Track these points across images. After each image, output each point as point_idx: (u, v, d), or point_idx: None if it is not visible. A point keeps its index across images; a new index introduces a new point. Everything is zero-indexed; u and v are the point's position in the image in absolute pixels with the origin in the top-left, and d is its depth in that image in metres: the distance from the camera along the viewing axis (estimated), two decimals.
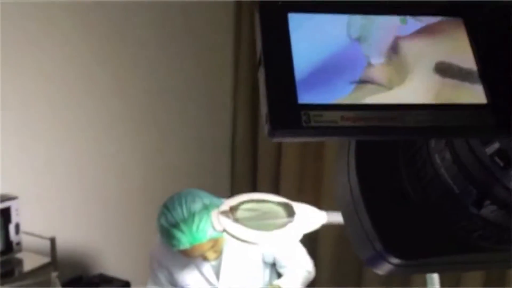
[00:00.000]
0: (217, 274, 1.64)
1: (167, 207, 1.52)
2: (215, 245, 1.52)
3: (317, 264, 1.72)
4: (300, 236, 1.05)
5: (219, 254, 1.57)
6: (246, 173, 2.77)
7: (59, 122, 2.27)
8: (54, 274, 1.47)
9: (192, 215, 1.46)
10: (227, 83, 2.91)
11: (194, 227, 1.45)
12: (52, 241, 1.87)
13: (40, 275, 1.71)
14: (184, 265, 1.63)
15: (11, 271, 1.77)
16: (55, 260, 1.86)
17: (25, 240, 1.91)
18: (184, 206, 1.49)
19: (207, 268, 1.63)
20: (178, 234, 1.46)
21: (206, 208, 1.45)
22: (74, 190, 2.39)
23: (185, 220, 1.46)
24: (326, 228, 2.29)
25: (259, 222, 1.05)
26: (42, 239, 1.86)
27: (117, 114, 2.52)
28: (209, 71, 2.84)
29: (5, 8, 1.86)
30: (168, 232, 1.48)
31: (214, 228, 1.06)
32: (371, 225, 0.35)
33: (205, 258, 1.55)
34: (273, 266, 1.73)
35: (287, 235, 1.04)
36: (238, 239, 1.02)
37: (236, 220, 1.06)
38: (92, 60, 2.35)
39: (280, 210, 1.09)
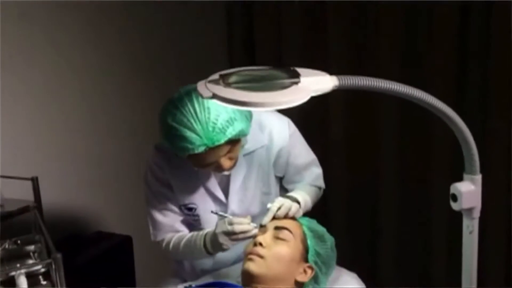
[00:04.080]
0: (225, 191, 1.43)
1: (173, 104, 1.23)
2: (232, 150, 1.26)
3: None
4: (307, 98, 0.86)
5: (234, 162, 1.31)
6: None
7: (48, 59, 2.09)
8: (32, 205, 1.29)
9: (207, 110, 1.18)
10: None
11: (210, 126, 1.18)
12: (34, 181, 1.69)
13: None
14: (188, 182, 1.42)
15: None
16: (40, 201, 1.69)
17: (7, 188, 1.74)
18: (195, 101, 1.20)
19: (213, 184, 1.43)
20: (191, 135, 1.19)
21: None
22: (62, 143, 2.21)
23: (198, 118, 1.18)
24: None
25: (258, 84, 0.86)
26: (25, 182, 1.68)
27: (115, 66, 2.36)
28: (203, 68, 2.71)
29: None
30: (178, 133, 1.20)
31: (201, 95, 0.87)
32: None
33: (218, 167, 1.28)
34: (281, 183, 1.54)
35: (294, 96, 0.85)
36: (234, 102, 0.83)
37: (229, 85, 0.86)
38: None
39: (282, 74, 0.89)
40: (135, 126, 2.46)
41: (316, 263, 1.23)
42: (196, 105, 1.20)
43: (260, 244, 1.20)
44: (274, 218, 1.28)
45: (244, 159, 1.39)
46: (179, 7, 2.52)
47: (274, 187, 1.46)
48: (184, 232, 1.45)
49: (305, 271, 1.22)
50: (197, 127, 1.19)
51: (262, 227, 1.27)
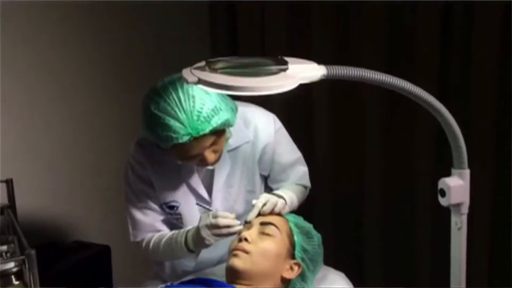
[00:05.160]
0: (209, 189, 1.38)
1: (157, 92, 1.19)
2: (217, 142, 1.23)
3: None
4: (295, 85, 0.85)
5: (218, 156, 1.27)
6: None
7: (24, 60, 2.03)
8: (6, 205, 1.23)
9: (191, 99, 1.15)
10: None
11: (195, 115, 1.15)
12: (8, 183, 1.63)
13: None
14: (170, 179, 1.36)
15: None
16: (14, 203, 1.62)
17: None
18: (179, 89, 1.16)
19: (196, 181, 1.37)
20: (174, 124, 1.15)
21: (207, 91, 1.12)
22: (38, 148, 2.15)
23: (183, 107, 1.15)
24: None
25: (245, 69, 0.84)
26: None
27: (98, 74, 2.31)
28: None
29: None
30: (161, 122, 1.16)
31: (186, 81, 0.84)
32: None
33: (202, 161, 1.24)
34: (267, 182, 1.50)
35: (282, 82, 0.83)
36: (221, 87, 0.80)
37: (215, 70, 0.84)
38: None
39: (269, 61, 0.88)
40: (116, 131, 2.41)
41: (303, 259, 1.19)
42: (181, 94, 1.16)
43: (246, 239, 1.16)
44: (259, 214, 1.24)
45: (228, 155, 1.36)
46: (162, 8, 2.49)
47: (259, 186, 1.43)
48: (165, 232, 1.40)
49: (291, 268, 1.19)
50: (182, 116, 1.16)
51: (248, 223, 1.23)
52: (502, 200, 1.77)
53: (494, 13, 1.72)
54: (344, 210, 2.15)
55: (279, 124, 1.42)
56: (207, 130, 1.17)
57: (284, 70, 0.85)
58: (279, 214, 1.26)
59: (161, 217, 1.41)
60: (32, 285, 0.97)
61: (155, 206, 1.39)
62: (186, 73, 0.85)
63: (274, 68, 0.85)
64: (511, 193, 1.74)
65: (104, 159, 2.38)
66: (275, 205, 1.25)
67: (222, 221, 1.21)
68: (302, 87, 2.27)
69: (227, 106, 1.21)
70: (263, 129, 1.38)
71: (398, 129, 2.00)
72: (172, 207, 1.38)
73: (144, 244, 1.40)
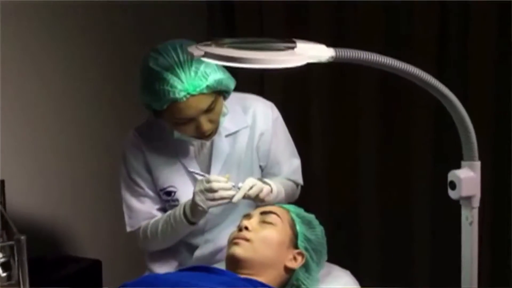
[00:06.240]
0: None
1: (157, 51, 1.25)
2: (213, 108, 1.24)
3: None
4: (303, 62, 0.83)
5: (215, 127, 1.28)
6: None
7: (14, 62, 1.99)
8: None
9: (190, 57, 1.18)
10: None
11: (193, 71, 1.19)
12: (1, 183, 1.58)
13: None
14: (168, 164, 1.36)
15: None
16: (5, 204, 1.57)
17: None
18: (179, 49, 1.22)
19: (194, 166, 1.36)
20: (172, 78, 1.18)
21: None
22: (28, 156, 2.10)
23: (181, 63, 1.19)
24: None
25: (253, 45, 0.82)
26: None
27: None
28: None
29: None
30: (159, 76, 1.19)
31: (191, 55, 0.83)
32: None
33: (197, 129, 1.24)
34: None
35: (289, 58, 0.81)
36: (228, 59, 0.78)
37: (221, 45, 0.82)
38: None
39: (277, 40, 0.86)
40: (110, 140, 2.35)
41: (306, 249, 1.16)
42: (180, 52, 1.21)
43: (246, 228, 1.13)
44: (244, 197, 1.23)
45: (227, 140, 1.35)
46: (159, 7, 2.46)
47: (258, 175, 1.40)
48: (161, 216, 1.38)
49: (295, 258, 1.15)
50: (179, 71, 1.19)
51: (247, 215, 1.21)
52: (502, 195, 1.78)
53: (490, 14, 1.75)
54: (339, 213, 2.12)
55: (277, 112, 1.42)
56: (203, 86, 1.19)
57: (292, 48, 0.83)
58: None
59: (158, 205, 1.39)
60: (21, 274, 0.92)
61: (152, 193, 1.38)
62: (192, 48, 0.83)
63: (282, 45, 0.83)
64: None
65: (96, 173, 2.32)
66: (261, 191, 1.23)
67: (215, 185, 1.21)
68: (298, 90, 2.22)
69: (224, 71, 1.24)
70: (261, 115, 1.39)
71: (395, 132, 2.00)
72: (169, 193, 1.36)
73: (141, 231, 1.38)
